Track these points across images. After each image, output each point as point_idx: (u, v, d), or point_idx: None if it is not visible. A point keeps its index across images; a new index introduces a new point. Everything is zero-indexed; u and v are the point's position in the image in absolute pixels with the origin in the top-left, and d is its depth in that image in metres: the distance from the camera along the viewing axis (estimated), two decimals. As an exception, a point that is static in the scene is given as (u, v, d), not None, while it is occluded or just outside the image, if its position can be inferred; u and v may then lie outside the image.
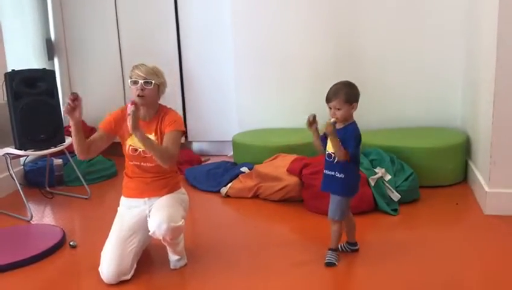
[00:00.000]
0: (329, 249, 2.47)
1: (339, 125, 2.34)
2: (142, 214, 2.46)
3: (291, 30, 4.18)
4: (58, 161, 3.96)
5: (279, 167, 3.45)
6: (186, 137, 4.81)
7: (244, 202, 3.44)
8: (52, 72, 3.56)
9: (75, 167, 3.76)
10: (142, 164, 2.46)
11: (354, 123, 2.36)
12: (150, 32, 4.66)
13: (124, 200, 2.57)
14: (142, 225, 2.41)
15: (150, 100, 2.41)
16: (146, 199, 2.48)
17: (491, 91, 2.92)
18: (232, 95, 4.52)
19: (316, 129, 2.34)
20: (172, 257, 2.49)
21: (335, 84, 2.35)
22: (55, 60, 4.88)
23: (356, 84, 2.37)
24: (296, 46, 4.20)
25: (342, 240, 2.53)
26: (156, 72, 2.42)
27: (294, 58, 4.22)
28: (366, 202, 3.06)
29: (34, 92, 3.34)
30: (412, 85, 4.05)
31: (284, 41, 4.21)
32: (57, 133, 3.46)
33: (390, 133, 3.89)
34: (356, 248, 2.58)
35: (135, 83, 2.38)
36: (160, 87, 2.44)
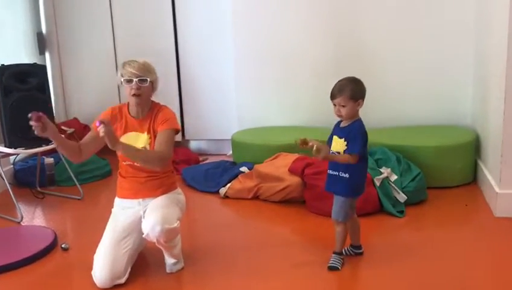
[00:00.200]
0: (334, 253, 2.44)
1: (344, 123, 2.30)
2: (136, 215, 2.42)
3: (291, 30, 4.20)
4: (49, 160, 3.90)
5: (280, 166, 3.42)
6: (183, 135, 4.77)
7: (244, 203, 3.42)
8: (44, 67, 3.53)
9: (67, 166, 3.70)
10: (136, 163, 2.40)
11: (359, 120, 2.30)
12: (145, 25, 4.60)
13: (118, 201, 2.53)
14: (137, 227, 2.37)
15: (145, 98, 2.36)
16: (140, 199, 2.44)
17: (501, 88, 2.89)
18: (231, 93, 4.50)
19: (312, 145, 2.19)
20: (169, 260, 2.43)
21: (340, 80, 2.31)
22: (47, 55, 4.79)
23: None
24: (296, 45, 4.21)
25: (346, 244, 2.50)
26: (148, 68, 2.35)
27: (294, 57, 4.23)
28: (371, 203, 3.03)
29: (24, 87, 3.31)
30: (420, 83, 4.03)
31: (284, 41, 4.23)
32: (49, 130, 3.42)
33: (396, 132, 3.86)
34: (360, 251, 2.54)
35: (129, 81, 2.30)
36: (153, 84, 2.39)
